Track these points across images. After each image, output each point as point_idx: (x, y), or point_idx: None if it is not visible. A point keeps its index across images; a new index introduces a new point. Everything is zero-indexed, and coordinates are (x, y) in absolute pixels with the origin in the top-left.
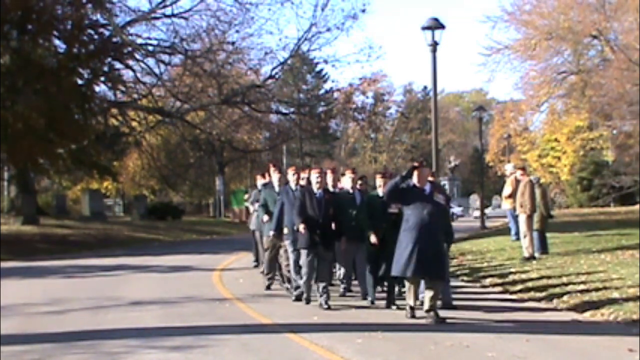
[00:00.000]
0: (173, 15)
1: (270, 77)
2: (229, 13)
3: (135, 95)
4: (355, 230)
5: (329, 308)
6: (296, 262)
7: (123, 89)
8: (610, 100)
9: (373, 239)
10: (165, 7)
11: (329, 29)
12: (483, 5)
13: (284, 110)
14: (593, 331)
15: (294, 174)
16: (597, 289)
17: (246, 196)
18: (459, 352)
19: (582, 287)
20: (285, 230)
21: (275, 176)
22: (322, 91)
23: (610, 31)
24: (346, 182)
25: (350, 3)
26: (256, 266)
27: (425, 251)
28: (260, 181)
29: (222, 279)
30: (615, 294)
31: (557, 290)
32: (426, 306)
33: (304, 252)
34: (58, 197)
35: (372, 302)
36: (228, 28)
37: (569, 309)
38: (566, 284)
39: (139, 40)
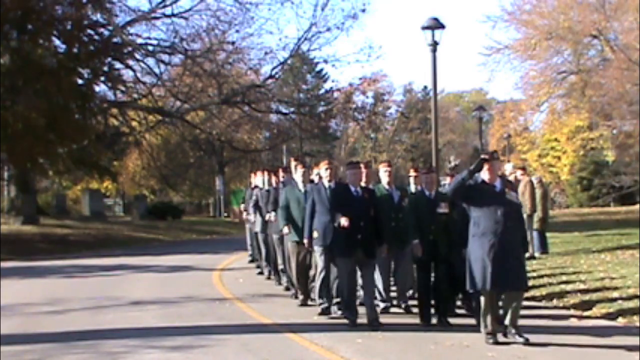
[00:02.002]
0: (173, 15)
1: (270, 77)
2: (229, 13)
3: (135, 95)
4: (394, 233)
5: (379, 325)
6: (326, 271)
7: (123, 89)
8: (610, 100)
9: (418, 250)
10: (165, 7)
11: (329, 29)
12: (483, 5)
13: (284, 110)
14: (593, 331)
15: (327, 169)
16: (597, 289)
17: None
18: (459, 352)
19: (582, 287)
20: (315, 234)
21: (299, 172)
22: (322, 91)
23: (610, 31)
24: (382, 178)
25: (350, 3)
26: (260, 273)
27: (503, 259)
28: (257, 179)
29: (222, 278)
30: (615, 294)
31: (557, 290)
32: (507, 321)
33: (342, 262)
34: (58, 197)
35: (428, 322)
36: (228, 28)
37: (568, 309)
38: (566, 284)
39: (139, 40)
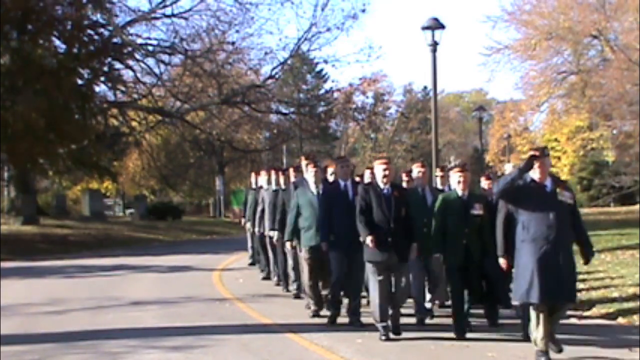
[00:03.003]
0: (173, 15)
1: (270, 77)
2: (229, 13)
3: (135, 95)
4: (426, 239)
5: (388, 338)
6: (339, 279)
7: (123, 89)
8: (610, 100)
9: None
10: (165, 7)
11: (329, 29)
12: (483, 5)
13: (284, 110)
14: (593, 331)
15: (341, 166)
16: (597, 289)
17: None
18: (459, 352)
19: (582, 287)
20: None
21: (310, 171)
22: (322, 91)
23: (610, 31)
24: (416, 178)
25: (350, 3)
26: (265, 278)
27: (555, 268)
28: (261, 178)
29: (222, 279)
30: (615, 294)
31: None
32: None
33: (371, 268)
34: (58, 197)
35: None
36: (228, 28)
37: (568, 309)
38: None
39: (139, 40)
